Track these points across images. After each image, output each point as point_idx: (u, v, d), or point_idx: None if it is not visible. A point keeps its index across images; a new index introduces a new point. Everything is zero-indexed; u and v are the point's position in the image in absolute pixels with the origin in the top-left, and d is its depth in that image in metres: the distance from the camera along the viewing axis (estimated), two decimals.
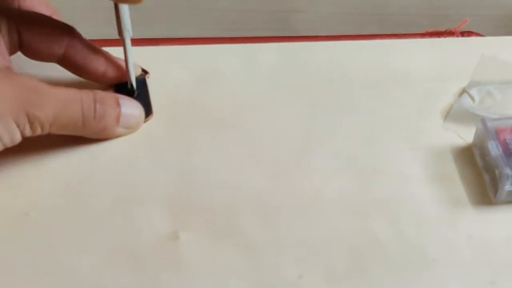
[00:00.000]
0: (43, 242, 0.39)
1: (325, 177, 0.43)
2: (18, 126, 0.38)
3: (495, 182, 0.41)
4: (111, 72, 0.45)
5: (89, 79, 0.46)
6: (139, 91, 0.46)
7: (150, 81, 0.47)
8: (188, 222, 0.40)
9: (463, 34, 0.55)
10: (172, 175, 0.42)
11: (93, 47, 0.45)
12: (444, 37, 0.54)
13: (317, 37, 0.54)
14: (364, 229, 0.40)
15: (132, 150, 0.44)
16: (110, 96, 0.42)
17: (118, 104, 0.43)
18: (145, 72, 0.48)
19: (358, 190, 0.42)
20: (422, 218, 0.40)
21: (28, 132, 0.39)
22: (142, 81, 0.47)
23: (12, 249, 0.38)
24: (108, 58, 0.45)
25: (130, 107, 0.44)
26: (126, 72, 0.45)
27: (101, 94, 0.42)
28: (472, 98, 0.47)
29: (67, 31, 0.44)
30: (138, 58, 0.47)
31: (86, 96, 0.41)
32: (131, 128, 0.44)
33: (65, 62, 0.44)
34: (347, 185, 0.42)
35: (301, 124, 0.46)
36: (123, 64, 0.45)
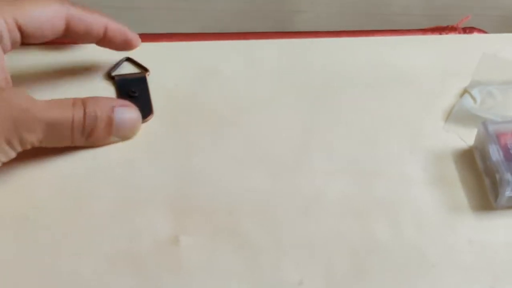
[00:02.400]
0: (43, 245, 0.38)
1: (326, 178, 0.42)
2: (10, 148, 0.39)
3: (496, 186, 0.41)
4: (112, 32, 0.45)
5: (94, 43, 0.45)
6: (139, 90, 0.46)
7: (150, 79, 0.47)
8: (188, 225, 0.40)
9: (465, 30, 0.54)
10: (172, 175, 0.42)
11: (90, 11, 0.44)
12: (446, 33, 0.53)
13: (318, 33, 0.53)
14: (365, 232, 0.40)
15: (132, 150, 0.43)
16: (104, 108, 0.42)
17: (111, 117, 0.42)
18: (145, 70, 0.47)
19: (359, 191, 0.42)
20: (423, 221, 0.40)
21: (19, 150, 0.40)
22: (142, 80, 0.47)
23: (12, 252, 0.38)
24: (107, 18, 0.45)
25: (125, 117, 0.43)
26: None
27: (94, 107, 0.41)
28: (474, 99, 0.47)
29: (62, 4, 0.43)
30: (138, 55, 0.47)
31: (77, 113, 0.41)
32: (125, 138, 0.44)
33: (69, 34, 0.44)
34: (348, 186, 0.42)
35: (302, 123, 0.46)
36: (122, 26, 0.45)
